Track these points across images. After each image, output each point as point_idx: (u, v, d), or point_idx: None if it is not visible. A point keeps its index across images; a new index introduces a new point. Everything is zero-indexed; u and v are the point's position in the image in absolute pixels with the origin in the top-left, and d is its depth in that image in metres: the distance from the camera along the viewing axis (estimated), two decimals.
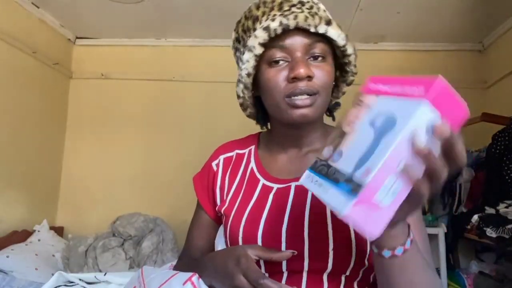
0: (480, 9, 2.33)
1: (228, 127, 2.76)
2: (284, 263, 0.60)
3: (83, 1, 2.43)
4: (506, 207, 1.81)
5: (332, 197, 0.41)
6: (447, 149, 0.37)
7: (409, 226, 0.49)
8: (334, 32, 0.64)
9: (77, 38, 3.00)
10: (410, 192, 0.38)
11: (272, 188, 0.68)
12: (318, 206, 0.62)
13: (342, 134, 0.47)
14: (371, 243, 0.50)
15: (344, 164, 0.43)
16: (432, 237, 2.17)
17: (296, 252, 0.58)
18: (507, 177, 1.87)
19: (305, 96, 0.62)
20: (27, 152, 2.50)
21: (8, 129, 2.33)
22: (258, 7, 0.69)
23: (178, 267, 0.77)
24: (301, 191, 0.65)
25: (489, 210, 1.88)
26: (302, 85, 0.62)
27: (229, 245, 0.67)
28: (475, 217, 1.92)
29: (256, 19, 0.68)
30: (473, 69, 2.77)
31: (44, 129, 2.68)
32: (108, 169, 2.88)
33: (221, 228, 0.74)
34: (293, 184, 0.67)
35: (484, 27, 2.56)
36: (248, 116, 0.77)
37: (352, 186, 0.38)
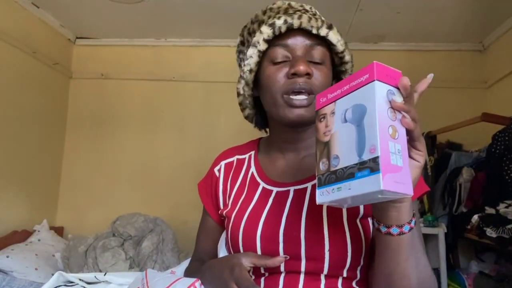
0: (480, 9, 2.33)
1: (228, 127, 2.77)
2: (282, 264, 0.61)
3: (83, 1, 2.43)
4: (506, 207, 1.81)
5: (359, 187, 0.43)
6: (405, 99, 0.47)
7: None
8: (334, 37, 0.67)
9: (77, 38, 3.00)
10: (412, 141, 0.46)
11: (271, 191, 0.70)
12: (315, 210, 0.63)
13: (325, 145, 0.50)
14: (378, 223, 0.52)
15: (346, 160, 0.46)
16: (432, 237, 2.17)
17: (288, 257, 0.61)
18: (507, 177, 1.87)
19: (303, 97, 0.64)
20: (27, 152, 2.50)
21: (8, 129, 2.33)
22: (264, 13, 0.72)
23: (187, 269, 0.82)
24: (300, 195, 0.66)
25: (489, 210, 1.88)
26: (301, 81, 0.64)
27: (230, 245, 0.69)
28: (475, 217, 1.92)
29: (262, 22, 0.71)
30: (473, 69, 2.77)
31: (44, 129, 2.68)
32: (108, 169, 2.88)
33: (223, 235, 0.77)
34: (292, 188, 0.68)
35: (484, 27, 2.56)
36: (246, 117, 0.78)
37: (369, 167, 0.42)
